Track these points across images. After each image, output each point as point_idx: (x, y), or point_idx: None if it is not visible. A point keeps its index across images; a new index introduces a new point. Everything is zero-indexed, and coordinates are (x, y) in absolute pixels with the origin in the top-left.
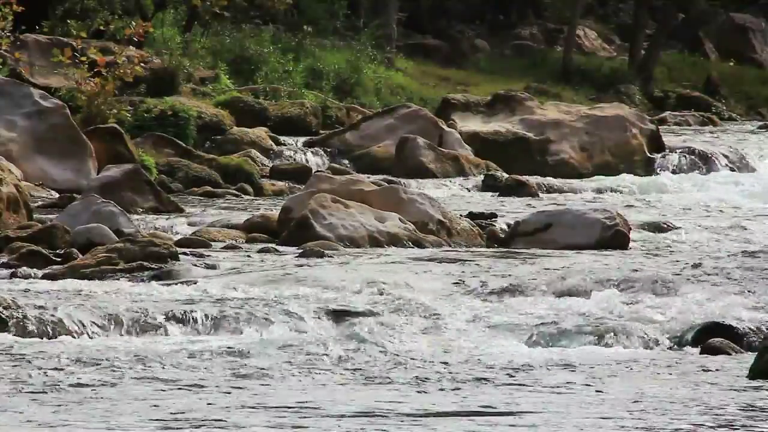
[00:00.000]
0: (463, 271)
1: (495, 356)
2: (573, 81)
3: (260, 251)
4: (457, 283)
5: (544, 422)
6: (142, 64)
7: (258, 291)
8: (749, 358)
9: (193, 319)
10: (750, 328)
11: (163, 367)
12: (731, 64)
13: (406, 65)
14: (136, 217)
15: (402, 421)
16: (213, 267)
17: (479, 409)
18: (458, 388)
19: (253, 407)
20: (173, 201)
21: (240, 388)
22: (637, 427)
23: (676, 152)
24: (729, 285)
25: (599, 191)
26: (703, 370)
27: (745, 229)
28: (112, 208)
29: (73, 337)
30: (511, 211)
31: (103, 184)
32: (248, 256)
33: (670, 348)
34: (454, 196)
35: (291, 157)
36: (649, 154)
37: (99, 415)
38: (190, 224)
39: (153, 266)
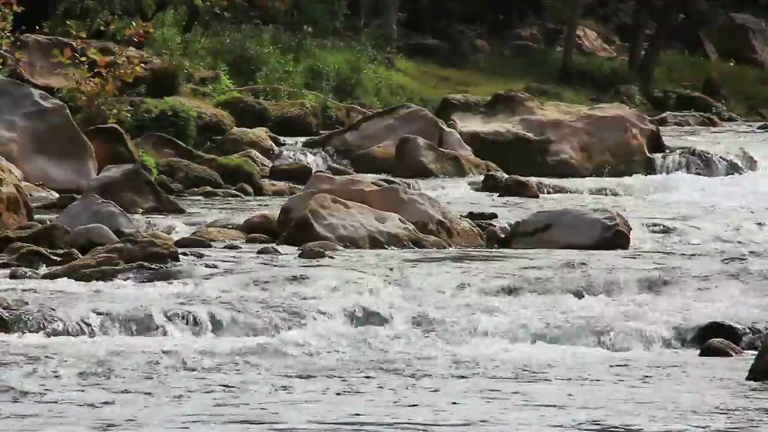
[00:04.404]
0: (463, 272)
1: (494, 357)
2: (573, 81)
3: (260, 251)
4: (456, 283)
5: (544, 422)
6: (142, 65)
7: (258, 291)
8: (749, 358)
9: (193, 319)
10: (750, 328)
11: (161, 368)
12: (731, 64)
13: (406, 65)
14: (136, 217)
15: (396, 430)
16: (213, 267)
17: (479, 412)
18: (458, 389)
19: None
20: (173, 201)
21: (240, 388)
22: (636, 428)
23: (676, 152)
24: (729, 285)
25: (599, 191)
26: (703, 370)
27: (745, 229)
28: (112, 208)
29: (73, 336)
30: (512, 210)
31: (103, 184)
32: (248, 256)
33: (670, 348)
34: (454, 196)
35: (291, 157)
36: (649, 155)
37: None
38: (190, 224)
39: (153, 266)
